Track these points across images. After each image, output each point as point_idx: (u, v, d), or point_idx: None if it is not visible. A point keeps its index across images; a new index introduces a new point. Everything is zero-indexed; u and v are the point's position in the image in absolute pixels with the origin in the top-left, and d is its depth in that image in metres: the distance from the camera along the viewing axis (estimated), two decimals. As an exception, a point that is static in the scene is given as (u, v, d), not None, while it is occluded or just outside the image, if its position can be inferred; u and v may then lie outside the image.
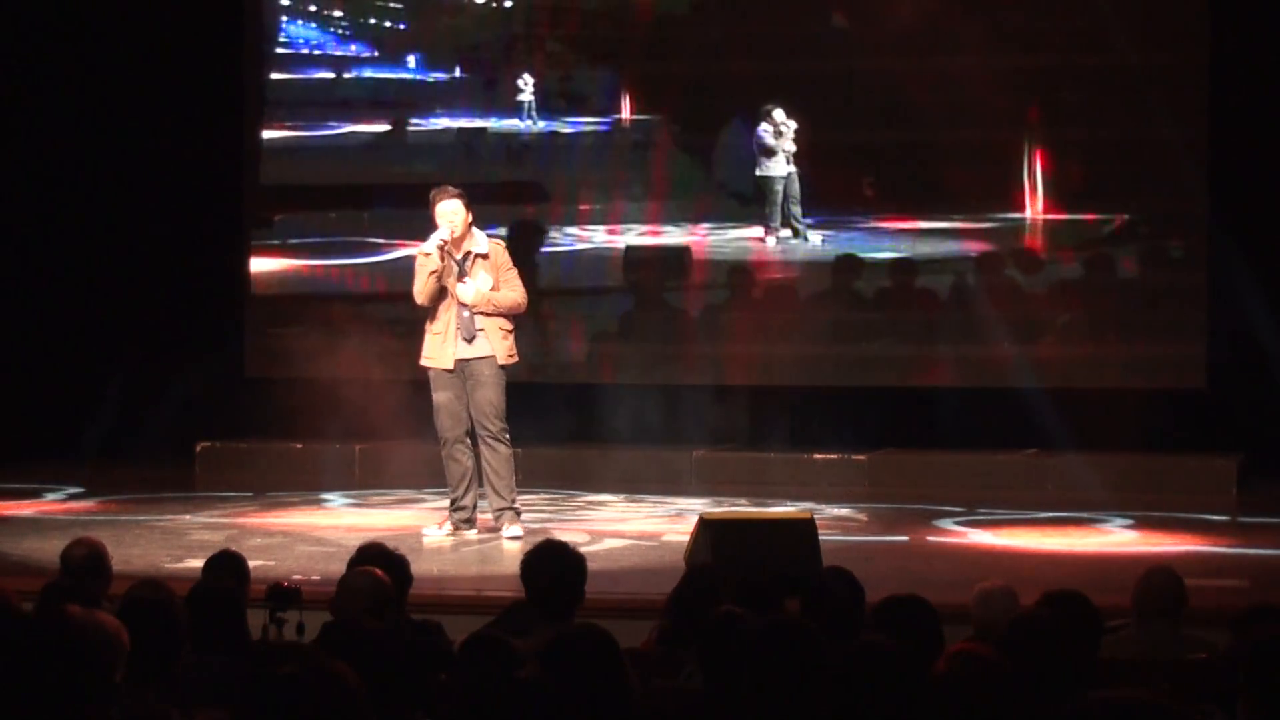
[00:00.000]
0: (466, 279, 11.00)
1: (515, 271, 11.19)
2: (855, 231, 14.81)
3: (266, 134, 15.70)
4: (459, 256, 11.05)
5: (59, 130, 15.35)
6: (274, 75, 15.77)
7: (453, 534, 11.25)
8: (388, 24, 15.82)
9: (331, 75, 15.81)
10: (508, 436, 11.09)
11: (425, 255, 11.02)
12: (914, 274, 14.79)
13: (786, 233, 14.86)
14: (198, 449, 14.72)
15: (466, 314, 11.06)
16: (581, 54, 15.33)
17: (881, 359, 14.71)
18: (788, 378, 14.65)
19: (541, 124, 15.27)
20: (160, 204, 15.33)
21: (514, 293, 11.09)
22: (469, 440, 11.16)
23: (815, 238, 14.84)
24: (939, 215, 14.66)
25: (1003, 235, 14.58)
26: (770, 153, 14.83)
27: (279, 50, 15.77)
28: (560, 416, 13.93)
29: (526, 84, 15.28)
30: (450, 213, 11.00)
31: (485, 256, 11.10)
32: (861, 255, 14.80)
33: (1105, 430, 13.82)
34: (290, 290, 15.63)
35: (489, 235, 11.34)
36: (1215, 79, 14.01)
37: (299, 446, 14.67)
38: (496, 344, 11.05)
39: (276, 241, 15.72)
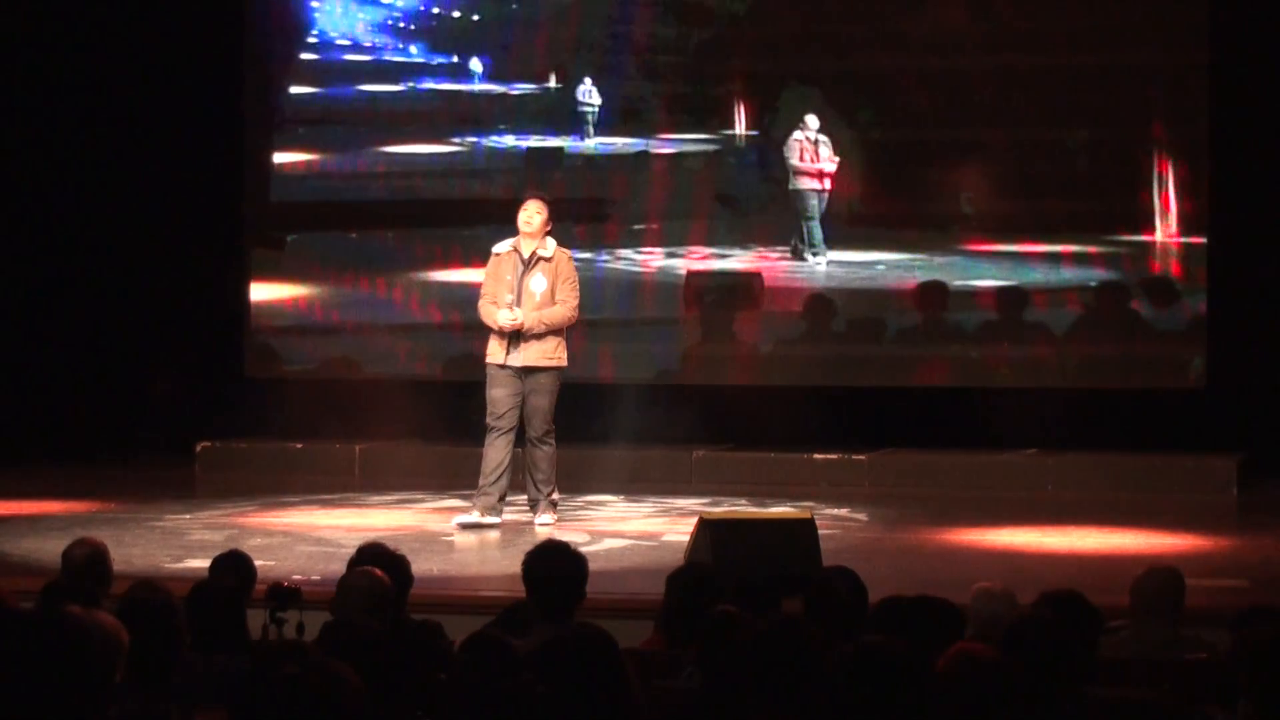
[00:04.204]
0: (517, 309, 11.55)
1: (573, 283, 11.71)
2: (953, 255, 14.57)
3: (281, 156, 15.60)
4: (525, 256, 11.61)
5: (66, 129, 15.35)
6: (294, 89, 15.54)
7: (480, 518, 11.68)
8: (455, 14, 15.34)
9: (370, 89, 15.38)
10: (552, 438, 11.72)
11: (496, 323, 11.60)
12: (1023, 305, 14.46)
13: (807, 254, 14.76)
14: (198, 449, 14.72)
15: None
16: (645, 65, 14.98)
17: (881, 358, 14.70)
18: (788, 377, 14.64)
19: (597, 141, 15.01)
20: (166, 206, 15.32)
21: (564, 307, 11.65)
22: (512, 436, 11.71)
23: (823, 260, 14.66)
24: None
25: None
26: (796, 169, 14.72)
27: (304, 57, 15.58)
28: (561, 416, 13.91)
29: (590, 94, 15.08)
30: (531, 211, 11.63)
31: (549, 260, 11.59)
32: (955, 283, 14.50)
33: (1105, 430, 13.82)
34: (295, 300, 15.56)
35: (561, 248, 11.77)
36: (1215, 79, 14.00)
37: (299, 446, 14.67)
38: (543, 348, 11.63)
39: (285, 256, 15.62)
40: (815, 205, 14.69)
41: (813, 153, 14.64)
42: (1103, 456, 13.69)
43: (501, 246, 11.77)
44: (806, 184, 14.70)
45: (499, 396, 11.71)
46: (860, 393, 14.45)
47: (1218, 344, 13.93)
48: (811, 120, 14.64)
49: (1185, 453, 13.64)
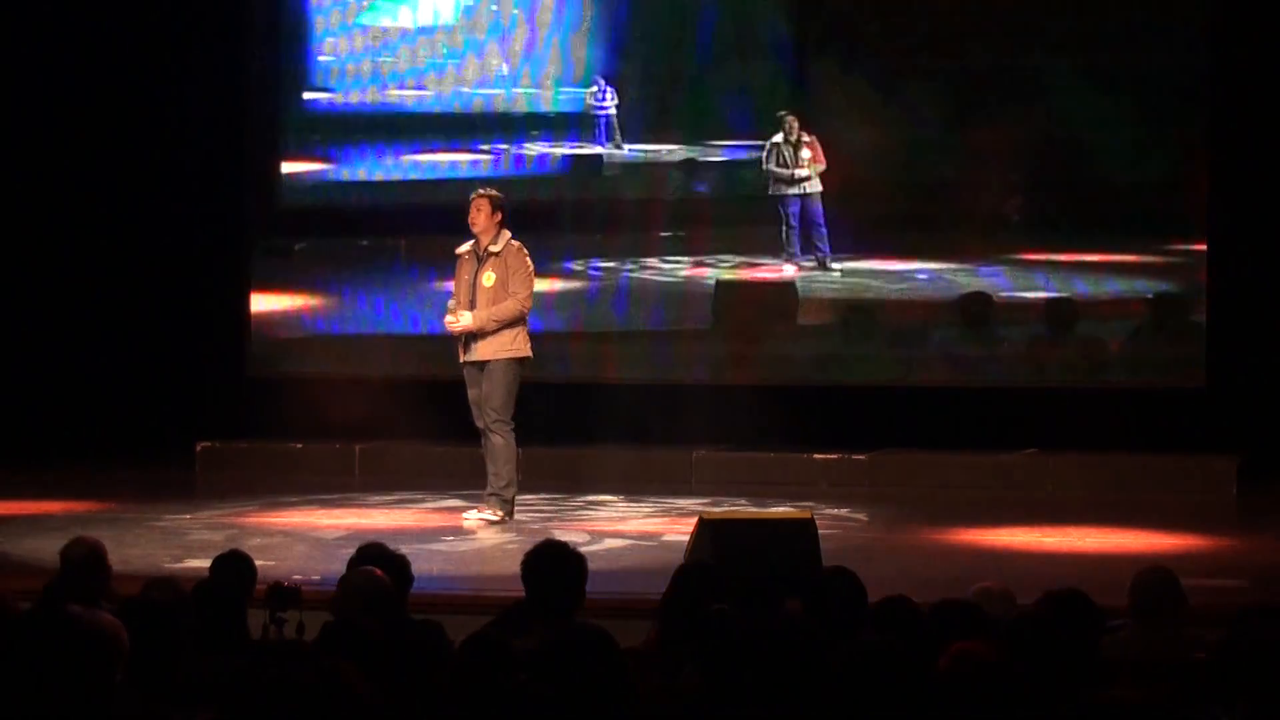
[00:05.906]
0: (461, 312, 11.68)
1: (523, 274, 11.78)
2: (997, 265, 14.50)
3: (291, 164, 15.57)
4: (480, 253, 11.76)
5: (72, 131, 15.35)
6: (305, 95, 15.45)
7: (491, 517, 11.76)
8: (475, 14, 15.20)
9: (386, 93, 15.29)
10: (506, 429, 11.74)
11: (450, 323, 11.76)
12: (1075, 317, 14.41)
13: (809, 261, 14.73)
14: (198, 449, 14.72)
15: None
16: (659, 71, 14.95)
17: (880, 358, 14.69)
18: (788, 377, 14.63)
19: (625, 147, 14.94)
20: (172, 208, 15.33)
21: (514, 300, 11.73)
22: None
23: (837, 269, 14.67)
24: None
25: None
26: (771, 174, 14.69)
27: (320, 59, 15.49)
28: (560, 416, 13.91)
29: (604, 95, 15.05)
30: (472, 210, 11.75)
31: (497, 255, 11.71)
32: (1001, 294, 14.45)
33: (1105, 430, 13.81)
34: (299, 307, 15.55)
35: (513, 241, 11.84)
36: (1215, 79, 14.00)
37: (299, 446, 14.67)
38: (496, 341, 11.69)
39: (293, 261, 15.59)
40: (795, 212, 14.68)
41: (790, 157, 14.63)
42: (1103, 456, 13.68)
43: (463, 248, 11.94)
44: (781, 190, 14.67)
45: (472, 397, 11.86)
46: (861, 393, 14.44)
47: (1218, 344, 13.93)
48: (791, 123, 14.60)
49: (1185, 453, 13.63)
